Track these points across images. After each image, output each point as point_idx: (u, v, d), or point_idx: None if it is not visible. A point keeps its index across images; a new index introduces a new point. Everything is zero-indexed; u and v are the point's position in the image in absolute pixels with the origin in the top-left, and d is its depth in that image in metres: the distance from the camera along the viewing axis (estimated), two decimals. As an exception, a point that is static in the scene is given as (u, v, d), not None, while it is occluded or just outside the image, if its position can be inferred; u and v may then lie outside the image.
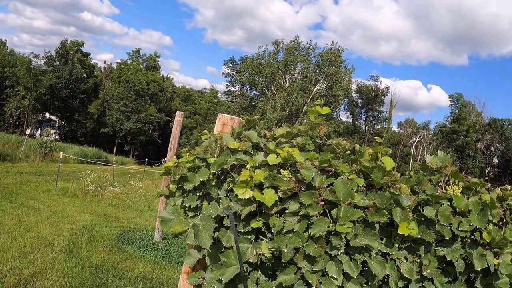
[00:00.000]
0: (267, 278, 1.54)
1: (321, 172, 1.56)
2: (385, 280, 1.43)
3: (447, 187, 1.61)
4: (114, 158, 21.98)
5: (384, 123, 40.93)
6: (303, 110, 30.04)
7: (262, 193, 1.47)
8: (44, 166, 16.86)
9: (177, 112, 6.07)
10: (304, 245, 1.37)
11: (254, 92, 35.01)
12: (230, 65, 37.78)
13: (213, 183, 1.54)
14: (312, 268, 1.33)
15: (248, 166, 1.47)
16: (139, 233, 6.51)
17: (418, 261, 1.45)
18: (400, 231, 1.36)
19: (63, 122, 42.49)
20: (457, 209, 1.51)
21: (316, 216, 1.41)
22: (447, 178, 1.65)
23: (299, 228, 1.41)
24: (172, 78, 48.93)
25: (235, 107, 34.00)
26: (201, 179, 1.53)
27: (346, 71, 31.40)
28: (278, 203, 1.47)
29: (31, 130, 40.85)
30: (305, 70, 31.17)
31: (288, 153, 1.50)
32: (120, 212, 9.01)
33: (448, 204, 1.52)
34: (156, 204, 10.26)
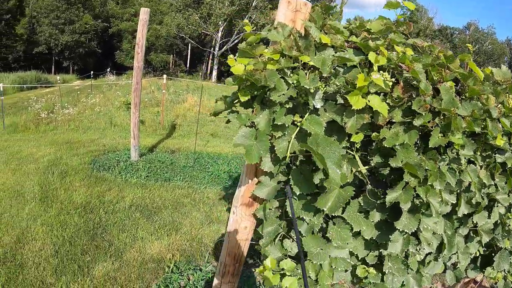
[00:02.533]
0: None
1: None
2: (466, 187, 1.48)
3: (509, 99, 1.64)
4: (58, 78, 18.66)
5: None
6: (253, 4, 27.70)
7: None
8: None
9: (142, 9, 5.07)
10: (417, 158, 1.25)
11: (199, -14, 30.25)
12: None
13: (312, 91, 1.20)
14: (427, 183, 1.24)
15: (374, 67, 1.17)
16: (113, 155, 5.69)
17: (489, 168, 1.52)
18: (497, 142, 1.36)
19: (-10, 50, 31.77)
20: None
21: (432, 127, 1.27)
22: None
23: (409, 139, 1.26)
24: (104, -22, 38.26)
25: (178, 4, 29.61)
26: (305, 86, 1.15)
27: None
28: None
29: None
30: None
31: (400, 53, 1.24)
32: (81, 135, 7.64)
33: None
34: (119, 118, 8.96)
